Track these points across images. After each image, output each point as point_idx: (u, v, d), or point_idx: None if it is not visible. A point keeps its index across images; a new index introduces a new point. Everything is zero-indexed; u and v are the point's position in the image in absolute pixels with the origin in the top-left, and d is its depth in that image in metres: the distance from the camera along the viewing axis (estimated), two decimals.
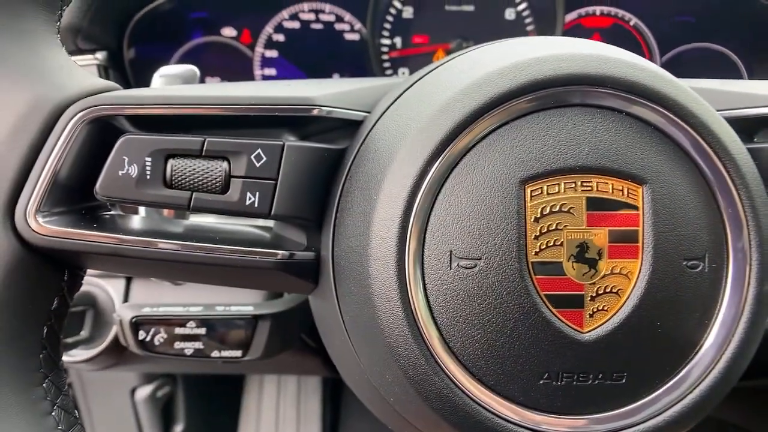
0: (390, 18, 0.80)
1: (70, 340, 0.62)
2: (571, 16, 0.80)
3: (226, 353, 0.51)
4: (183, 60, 0.78)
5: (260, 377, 1.44)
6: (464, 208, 0.31)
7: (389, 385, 0.34)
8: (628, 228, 0.31)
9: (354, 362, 0.37)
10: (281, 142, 0.34)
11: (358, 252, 0.32)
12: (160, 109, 0.33)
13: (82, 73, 0.35)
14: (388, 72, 0.82)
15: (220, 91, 0.37)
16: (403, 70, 0.82)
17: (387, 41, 0.81)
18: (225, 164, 0.34)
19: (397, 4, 0.80)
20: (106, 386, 1.02)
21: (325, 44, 0.81)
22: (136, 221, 0.37)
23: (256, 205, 0.34)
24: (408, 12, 0.80)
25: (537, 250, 0.31)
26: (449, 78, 0.34)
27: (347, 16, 0.80)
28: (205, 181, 0.33)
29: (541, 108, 0.31)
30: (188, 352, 0.51)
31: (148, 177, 0.33)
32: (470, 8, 0.79)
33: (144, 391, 1.01)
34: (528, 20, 0.80)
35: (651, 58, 0.80)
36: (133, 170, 0.33)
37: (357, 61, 0.81)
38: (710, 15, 0.78)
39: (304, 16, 0.80)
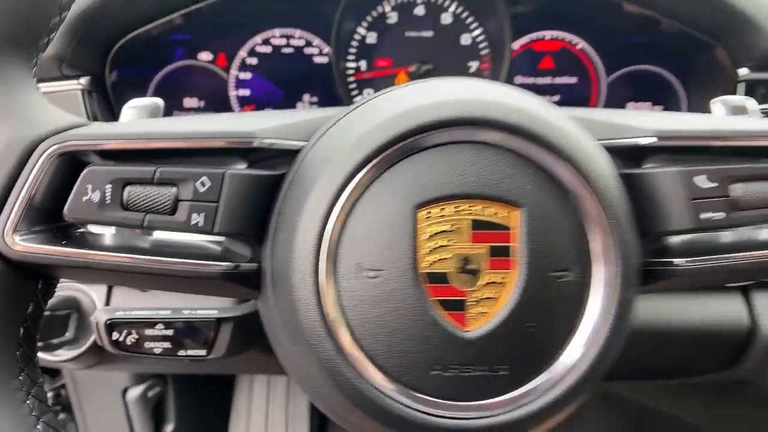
0: (355, 43, 0.86)
1: (55, 341, 0.68)
2: (522, 41, 0.86)
3: (191, 352, 0.57)
4: (162, 82, 0.85)
5: (250, 378, 1.49)
6: (370, 228, 0.37)
7: (314, 378, 0.40)
8: (504, 244, 0.37)
9: (291, 359, 0.43)
10: (222, 171, 0.40)
11: (286, 264, 0.39)
12: (118, 144, 0.39)
13: (53, 111, 0.41)
14: (354, 92, 0.88)
15: (174, 126, 0.43)
16: (368, 91, 0.88)
17: (353, 64, 0.87)
18: (174, 189, 0.39)
19: (362, 31, 0.86)
20: (98, 387, 1.06)
21: (295, 67, 0.87)
22: (103, 237, 0.43)
23: (200, 224, 0.39)
24: (372, 37, 0.86)
25: (428, 263, 0.37)
26: (363, 117, 0.40)
27: (316, 41, 0.87)
28: (156, 204, 0.39)
29: (435, 144, 0.37)
30: (157, 351, 0.56)
31: (107, 202, 0.39)
32: (429, 34, 0.86)
33: (135, 392, 1.05)
34: (482, 45, 0.86)
35: (597, 79, 0.86)
36: (96, 196, 0.39)
37: (326, 83, 0.87)
38: (653, 41, 0.84)
39: (276, 41, 0.86)
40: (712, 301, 0.75)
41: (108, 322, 0.56)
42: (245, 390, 1.49)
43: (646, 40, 0.84)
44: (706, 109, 0.63)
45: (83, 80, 0.73)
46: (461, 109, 0.37)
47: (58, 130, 0.39)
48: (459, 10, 0.85)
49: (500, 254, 0.37)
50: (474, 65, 0.87)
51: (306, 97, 0.89)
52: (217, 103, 0.87)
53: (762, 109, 0.57)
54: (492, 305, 0.37)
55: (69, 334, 0.69)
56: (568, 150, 0.37)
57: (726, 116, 0.51)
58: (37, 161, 0.38)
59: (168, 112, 0.84)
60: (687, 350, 0.78)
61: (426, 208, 0.37)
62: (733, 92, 0.77)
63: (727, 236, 0.46)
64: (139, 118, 0.51)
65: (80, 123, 0.41)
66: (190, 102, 0.87)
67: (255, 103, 0.88)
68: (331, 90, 0.88)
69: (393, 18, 0.86)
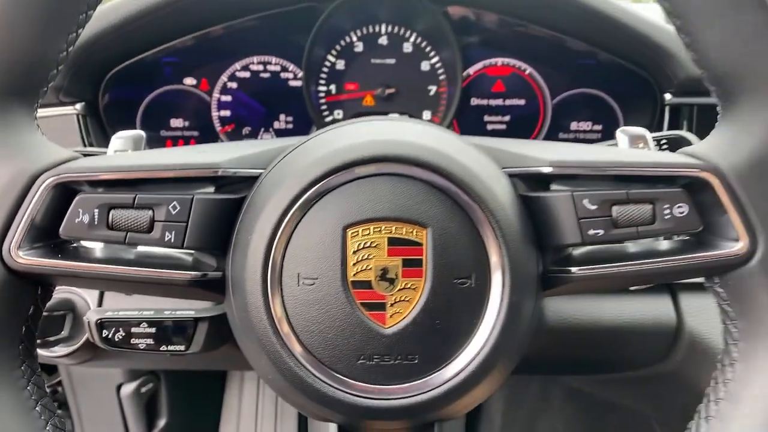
0: (326, 69, 0.95)
1: (52, 338, 0.76)
2: (476, 67, 0.95)
3: (171, 347, 0.65)
4: (150, 105, 0.93)
5: (241, 374, 1.56)
6: (308, 244, 0.46)
7: (265, 367, 0.48)
8: (415, 257, 0.45)
9: (249, 353, 0.52)
10: (191, 196, 0.48)
11: (241, 273, 0.47)
12: (104, 176, 0.48)
13: (51, 148, 0.48)
14: (325, 113, 0.97)
15: (152, 159, 0.51)
16: (338, 112, 0.97)
17: (324, 88, 0.96)
18: (150, 212, 0.48)
19: (331, 58, 0.95)
20: (94, 383, 1.13)
21: (272, 90, 0.96)
22: (92, 251, 0.51)
23: (172, 241, 0.47)
24: (341, 64, 0.95)
25: (354, 272, 0.45)
26: (305, 152, 0.49)
27: (291, 67, 0.96)
28: (135, 224, 0.47)
29: (361, 177, 0.46)
30: (141, 346, 0.64)
31: (95, 223, 0.47)
32: (392, 61, 0.95)
33: (129, 388, 1.12)
34: (440, 71, 0.95)
35: (543, 101, 0.95)
36: (86, 218, 0.46)
37: (300, 104, 0.96)
38: (593, 68, 0.93)
39: (254, 67, 0.95)
40: (644, 301, 0.84)
41: (98, 321, 0.64)
42: (236, 385, 1.56)
43: (587, 67, 0.93)
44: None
45: (78, 106, 0.82)
46: (380, 148, 0.46)
47: (55, 164, 0.47)
48: (418, 41, 0.94)
49: (411, 265, 0.45)
50: (433, 89, 0.96)
51: (282, 116, 0.97)
52: (201, 123, 0.96)
53: (656, 137, 0.66)
54: (406, 307, 0.45)
55: (65, 333, 0.77)
56: (466, 179, 0.46)
57: (618, 147, 0.60)
58: (37, 191, 0.45)
59: (156, 132, 0.93)
60: (624, 346, 0.87)
61: (353, 228, 0.45)
62: (662, 115, 0.86)
63: (623, 248, 0.54)
64: (125, 149, 0.60)
65: (73, 157, 0.49)
66: (176, 122, 0.95)
67: (235, 123, 0.97)
68: (305, 110, 0.96)
69: (359, 47, 0.95)
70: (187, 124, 0.96)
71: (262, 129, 0.97)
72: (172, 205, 0.47)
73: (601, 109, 0.94)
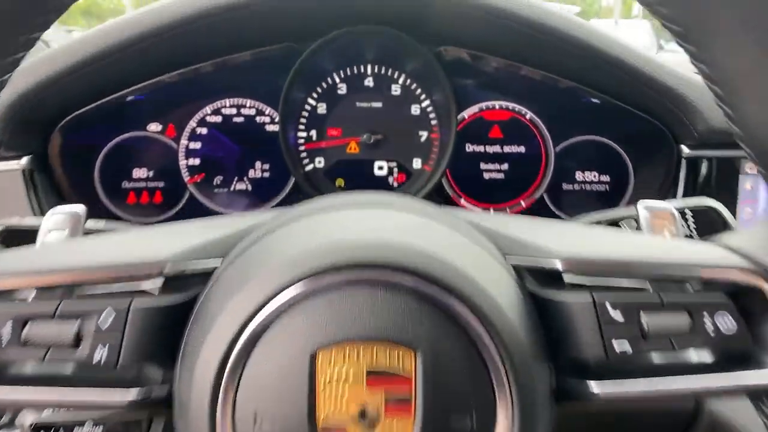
0: (305, 113, 0.87)
1: None
2: (472, 110, 0.87)
3: None
4: (110, 154, 0.84)
5: None
6: (267, 374, 0.36)
7: None
8: (401, 390, 0.37)
9: None
10: (127, 304, 0.39)
11: (187, 403, 0.38)
12: (16, 283, 0.39)
13: None
14: (305, 161, 0.88)
15: (82, 253, 0.42)
16: (320, 160, 0.88)
17: (303, 134, 0.87)
18: (77, 322, 0.39)
19: (312, 101, 0.86)
20: None
21: (247, 135, 0.87)
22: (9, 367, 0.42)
23: (103, 359, 0.39)
24: (322, 108, 0.87)
25: (325, 414, 0.36)
26: (268, 249, 0.40)
27: (267, 110, 0.87)
28: (58, 339, 0.39)
29: (334, 284, 0.37)
30: None
31: (8, 340, 0.38)
32: (379, 104, 0.86)
33: None
34: (431, 115, 0.86)
35: (545, 148, 0.87)
36: None
37: (277, 151, 0.87)
38: (599, 114, 0.85)
39: (226, 111, 0.86)
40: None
41: (33, 425, 0.55)
42: None
43: (593, 113, 0.84)
44: (652, 181, 0.63)
45: (24, 160, 0.72)
46: (367, 252, 0.37)
47: None
48: (408, 82, 0.86)
49: (396, 400, 0.36)
50: (424, 135, 0.88)
51: (258, 164, 0.88)
52: (167, 173, 0.87)
53: (679, 207, 0.57)
54: None
55: None
56: (463, 286, 0.37)
57: (642, 235, 0.51)
58: None
59: (117, 184, 0.84)
60: (638, 427, 0.79)
61: (325, 352, 0.36)
62: (677, 166, 0.78)
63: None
64: (60, 228, 0.51)
65: None
66: (139, 173, 0.86)
67: (205, 172, 0.87)
68: (283, 157, 0.87)
69: (343, 89, 0.86)
70: (151, 174, 0.86)
71: (236, 178, 0.88)
72: (103, 315, 0.38)
73: (610, 158, 0.86)
